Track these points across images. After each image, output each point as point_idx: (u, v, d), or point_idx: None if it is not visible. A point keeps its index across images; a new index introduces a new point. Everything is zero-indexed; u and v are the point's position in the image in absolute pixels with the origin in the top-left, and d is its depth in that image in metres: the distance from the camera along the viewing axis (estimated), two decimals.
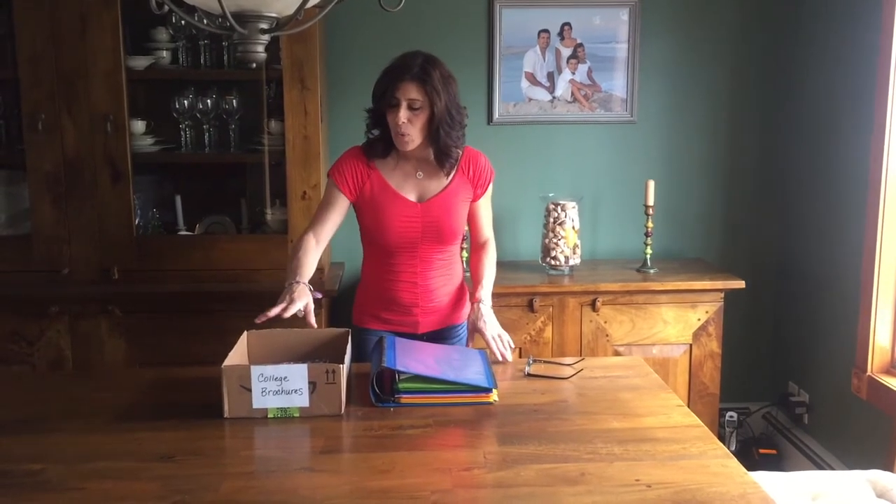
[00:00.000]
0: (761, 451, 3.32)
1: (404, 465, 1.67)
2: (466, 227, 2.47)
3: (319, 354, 2.19)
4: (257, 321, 2.09)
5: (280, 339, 2.21)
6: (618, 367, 2.29)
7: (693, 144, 3.51)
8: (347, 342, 2.14)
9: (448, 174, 2.33)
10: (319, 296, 2.30)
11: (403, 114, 2.20)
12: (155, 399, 2.07)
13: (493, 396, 2.00)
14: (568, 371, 2.21)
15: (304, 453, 1.77)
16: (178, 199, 3.17)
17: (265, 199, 3.18)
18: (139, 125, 3.02)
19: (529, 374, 2.20)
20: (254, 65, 1.88)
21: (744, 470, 1.65)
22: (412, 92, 2.20)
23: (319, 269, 2.38)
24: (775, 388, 3.54)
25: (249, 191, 3.25)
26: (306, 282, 2.23)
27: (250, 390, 1.90)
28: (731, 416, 3.38)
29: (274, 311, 2.11)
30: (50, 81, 2.87)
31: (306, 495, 1.54)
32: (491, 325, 2.31)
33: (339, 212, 2.35)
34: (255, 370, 1.90)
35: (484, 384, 2.00)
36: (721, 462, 1.68)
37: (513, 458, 1.69)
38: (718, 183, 3.54)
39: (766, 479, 2.19)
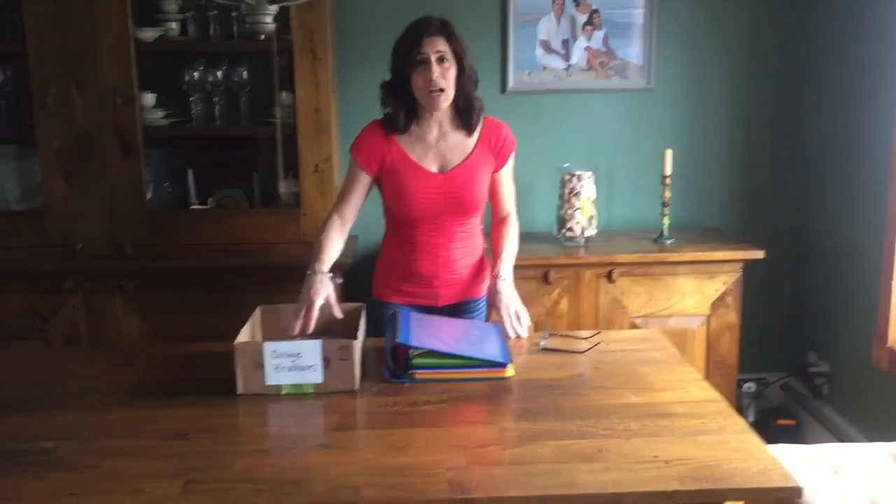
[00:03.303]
0: (780, 421, 3.29)
1: (419, 441, 1.65)
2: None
3: (334, 330, 2.17)
4: (288, 333, 2.08)
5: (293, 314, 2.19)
6: (635, 341, 2.26)
7: (712, 112, 3.45)
8: (361, 317, 2.12)
9: (470, 135, 2.29)
10: (339, 280, 2.29)
11: (436, 68, 2.17)
12: (168, 375, 2.06)
13: (509, 371, 1.98)
14: (584, 345, 2.19)
15: (318, 430, 1.76)
16: (190, 173, 3.14)
17: (277, 172, 3.15)
18: (149, 98, 2.99)
19: (545, 349, 2.17)
20: (262, 36, 1.85)
21: (763, 445, 1.63)
22: (439, 44, 2.18)
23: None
24: (794, 359, 3.50)
25: (261, 164, 3.22)
26: (327, 269, 2.22)
27: (264, 366, 1.88)
28: (749, 387, 3.35)
29: (297, 328, 2.09)
30: (58, 55, 2.84)
31: (320, 473, 1.53)
32: (507, 302, 2.28)
33: (361, 189, 2.33)
34: (269, 346, 1.88)
35: (499, 359, 1.98)
36: (740, 437, 1.65)
37: (529, 435, 1.67)
38: (737, 151, 3.48)
39: (785, 452, 2.16)
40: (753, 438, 1.65)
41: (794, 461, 2.14)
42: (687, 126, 3.44)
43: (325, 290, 2.16)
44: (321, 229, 2.33)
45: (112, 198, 2.94)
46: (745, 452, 1.59)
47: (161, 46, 3.00)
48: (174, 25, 3.00)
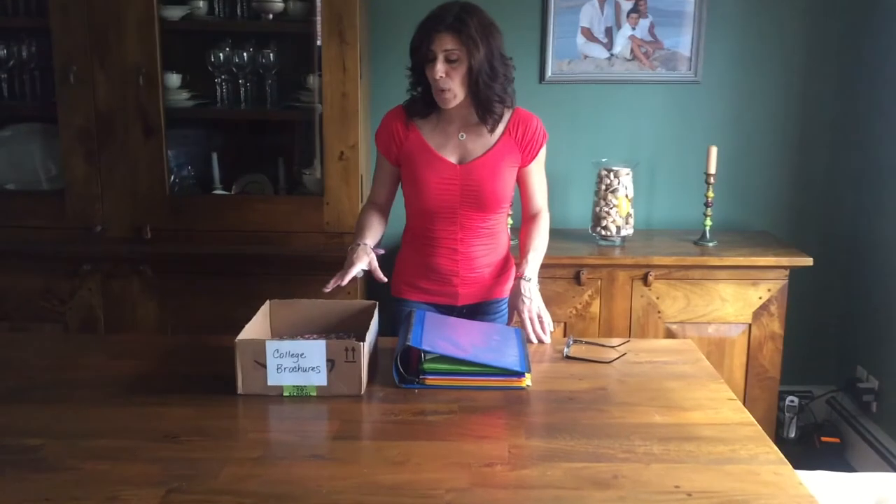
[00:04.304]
0: (823, 438, 3.11)
1: (421, 456, 1.53)
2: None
3: (345, 327, 2.07)
4: (325, 290, 2.06)
5: (304, 309, 2.09)
6: (666, 352, 2.11)
7: (761, 108, 3.25)
8: (374, 316, 2.01)
9: (492, 131, 2.16)
10: (382, 251, 2.20)
11: (441, 67, 2.05)
12: (171, 369, 1.97)
13: (526, 381, 1.85)
14: (610, 354, 2.04)
15: (316, 438, 1.65)
16: (215, 157, 3.07)
17: (303, 158, 3.05)
18: (174, 79, 2.91)
19: (568, 357, 2.03)
20: (270, 15, 1.74)
21: (798, 479, 1.47)
22: (448, 43, 2.04)
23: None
24: (842, 373, 3.30)
25: (287, 149, 3.13)
26: (370, 242, 2.19)
27: (265, 366, 1.78)
28: (792, 401, 3.16)
29: (331, 285, 2.06)
30: (81, 31, 2.76)
31: (311, 487, 1.42)
32: (529, 305, 2.15)
33: (389, 178, 2.28)
34: (271, 345, 1.78)
35: (516, 367, 1.85)
36: (773, 469, 1.50)
37: (540, 454, 1.54)
38: (788, 151, 3.28)
39: (825, 481, 1.99)
40: (788, 471, 1.50)
41: (834, 492, 1.97)
42: (734, 122, 3.26)
43: (366, 257, 2.12)
44: (359, 215, 2.32)
45: (133, 180, 2.88)
46: (778, 487, 1.44)
47: (187, 25, 2.92)
48: (201, 4, 2.91)
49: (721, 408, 1.76)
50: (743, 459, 1.53)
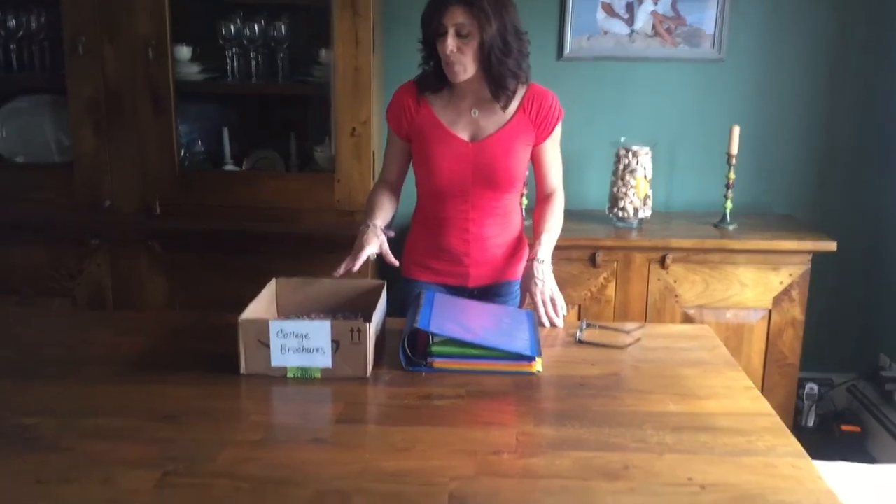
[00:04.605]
0: (843, 427, 3.03)
1: (426, 443, 1.48)
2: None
3: (352, 307, 2.03)
4: (336, 275, 2.00)
5: (311, 289, 2.05)
6: (682, 337, 2.05)
7: (787, 87, 3.16)
8: (382, 296, 1.95)
9: (505, 108, 2.10)
10: (392, 234, 2.15)
11: (451, 42, 1.99)
12: (176, 347, 1.94)
13: (537, 366, 1.79)
14: (625, 339, 1.99)
15: (319, 421, 1.61)
16: (226, 132, 3.02)
17: (315, 134, 3.00)
18: (184, 51, 2.85)
19: (581, 341, 1.98)
20: None
21: (818, 472, 1.41)
22: (459, 16, 1.97)
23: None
24: (864, 361, 3.22)
25: (299, 125, 3.07)
26: (381, 223, 2.13)
27: (269, 346, 1.74)
28: (812, 389, 3.09)
29: (342, 270, 2.01)
30: (90, 1, 2.71)
31: (311, 472, 1.38)
32: (542, 287, 2.09)
33: (400, 155, 2.23)
34: (275, 325, 1.73)
35: (526, 352, 1.79)
36: (791, 462, 1.44)
37: (549, 442, 1.49)
38: (813, 132, 3.18)
39: (845, 473, 1.93)
40: (807, 464, 1.44)
41: (855, 484, 1.90)
42: (758, 101, 3.16)
43: (377, 240, 2.07)
44: (370, 194, 2.26)
45: (143, 154, 2.83)
46: (796, 481, 1.38)
47: None
48: None
49: (738, 397, 1.70)
50: (760, 451, 1.47)
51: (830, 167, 3.21)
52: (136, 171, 2.84)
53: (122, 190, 2.85)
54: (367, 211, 2.18)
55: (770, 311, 2.85)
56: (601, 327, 2.08)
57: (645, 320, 2.82)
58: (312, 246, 2.74)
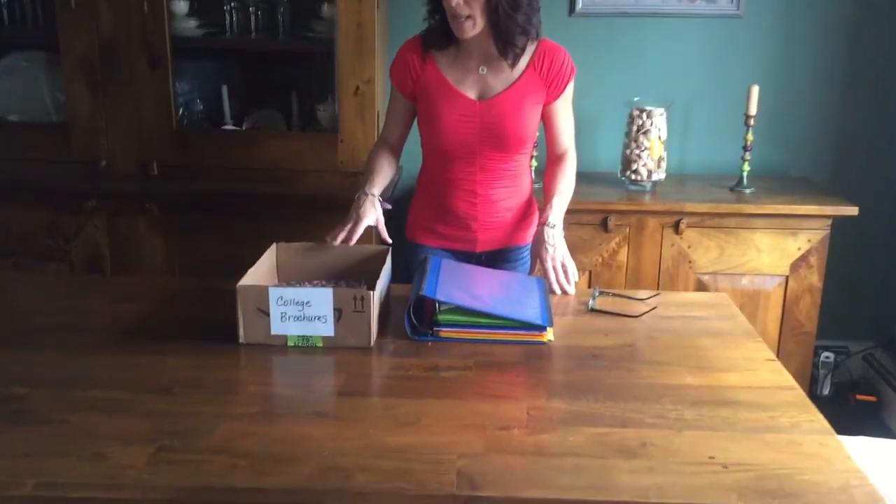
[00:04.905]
0: (859, 396, 2.97)
1: (432, 416, 1.41)
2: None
3: (355, 274, 1.95)
4: (328, 241, 1.95)
5: (313, 254, 1.97)
6: (698, 306, 1.97)
7: (808, 46, 3.04)
8: (385, 262, 1.87)
9: (513, 66, 2.00)
10: (389, 206, 2.06)
11: None
12: (172, 314, 1.86)
13: (548, 336, 1.72)
14: (639, 307, 1.91)
15: (320, 393, 1.54)
16: (225, 90, 2.92)
17: (318, 93, 2.90)
18: (181, 5, 2.75)
19: (593, 310, 1.90)
20: None
21: (846, 451, 1.34)
22: None
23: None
24: (880, 329, 3.14)
25: (301, 83, 2.97)
26: (378, 192, 2.05)
27: (268, 314, 1.66)
28: (828, 357, 3.01)
29: (340, 237, 1.95)
30: None
31: (311, 448, 1.31)
32: (553, 253, 2.01)
33: (404, 114, 2.13)
34: (274, 292, 1.66)
35: (537, 321, 1.71)
36: (818, 440, 1.36)
37: (561, 417, 1.42)
38: (833, 92, 3.07)
39: (867, 447, 1.86)
40: (834, 441, 1.36)
41: (876, 458, 1.84)
42: (776, 60, 3.05)
43: (374, 212, 2.00)
44: (369, 155, 2.16)
45: (139, 113, 2.74)
46: (823, 460, 1.31)
47: None
48: None
49: (759, 369, 1.63)
50: (784, 428, 1.40)
51: (850, 129, 3.10)
52: (132, 131, 2.75)
53: (119, 150, 2.76)
54: (366, 175, 2.09)
55: (787, 278, 2.77)
56: (614, 295, 2.00)
57: (658, 286, 2.74)
58: (315, 208, 2.64)
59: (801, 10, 3.00)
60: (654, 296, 1.98)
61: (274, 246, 1.96)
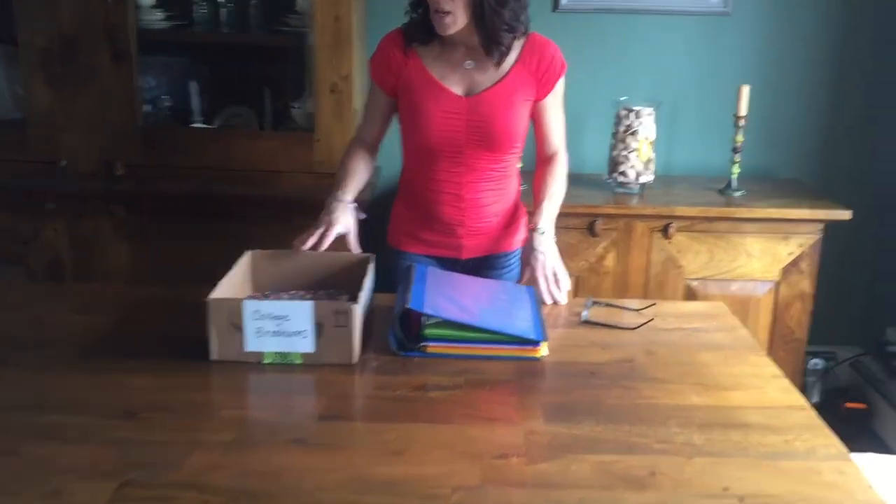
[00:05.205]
0: (848, 404, 2.90)
1: (423, 443, 1.30)
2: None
3: (337, 283, 1.83)
4: (295, 246, 1.82)
5: (290, 261, 1.85)
6: (696, 316, 1.87)
7: (798, 44, 2.96)
8: (368, 272, 1.76)
9: (499, 65, 1.89)
10: (364, 216, 1.94)
11: None
12: (137, 327, 1.73)
13: (542, 351, 1.61)
14: (634, 319, 1.81)
15: (300, 417, 1.42)
16: (194, 86, 2.79)
17: (292, 90, 2.77)
18: None
19: (587, 321, 1.80)
20: None
21: (867, 480, 1.25)
22: None
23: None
24: (869, 335, 3.08)
25: (274, 79, 2.84)
26: (351, 198, 1.93)
27: (242, 329, 1.54)
28: (816, 364, 2.95)
29: (309, 243, 1.82)
30: None
31: (290, 483, 1.19)
32: (545, 261, 1.91)
33: (382, 111, 2.01)
34: (249, 306, 1.53)
35: (530, 335, 1.61)
36: (836, 467, 1.27)
37: (562, 443, 1.31)
38: (823, 92, 3.00)
39: (876, 465, 1.78)
40: (853, 468, 1.27)
41: (886, 476, 1.76)
42: (766, 59, 2.97)
43: (346, 220, 1.89)
44: (344, 155, 2.04)
45: (102, 109, 2.61)
46: (844, 491, 1.21)
47: None
48: None
49: (766, 387, 1.54)
50: (799, 453, 1.31)
51: (840, 130, 3.03)
52: (95, 128, 2.62)
53: (80, 149, 2.63)
54: (340, 178, 1.97)
55: (778, 284, 2.69)
56: (607, 305, 1.90)
57: (646, 293, 2.65)
58: (290, 211, 2.52)
59: (791, 7, 2.93)
60: (650, 306, 1.89)
61: (247, 253, 1.83)
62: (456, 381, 1.51)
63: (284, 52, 2.73)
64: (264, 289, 1.83)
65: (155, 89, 2.80)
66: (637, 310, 1.87)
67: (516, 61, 1.92)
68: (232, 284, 1.69)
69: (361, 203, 2.59)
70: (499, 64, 1.89)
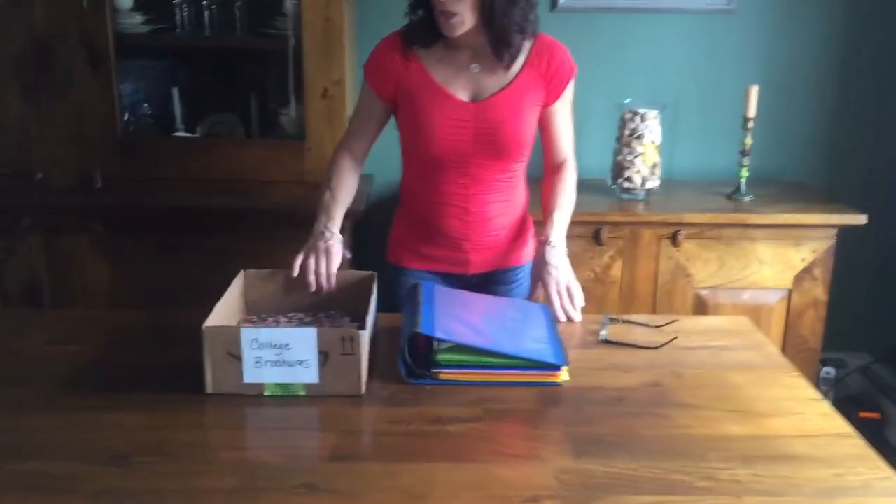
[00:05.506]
0: (862, 414, 2.80)
1: (445, 486, 1.19)
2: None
3: (336, 304, 1.72)
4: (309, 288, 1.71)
5: (286, 282, 1.72)
6: (719, 333, 1.77)
7: (806, 42, 2.86)
8: (372, 293, 1.64)
9: (509, 67, 1.78)
10: (349, 255, 1.81)
11: None
12: (123, 358, 1.60)
13: (563, 376, 1.50)
14: (655, 336, 1.71)
15: (308, 459, 1.29)
16: (176, 93, 2.65)
17: (280, 95, 2.64)
18: None
19: (606, 341, 1.68)
20: None
21: None
22: None
23: None
24: (881, 342, 2.99)
25: (261, 85, 2.71)
26: (338, 226, 1.80)
27: (241, 359, 1.41)
28: (829, 373, 2.85)
29: (312, 279, 1.72)
30: None
31: None
32: (558, 276, 1.80)
33: (376, 119, 1.88)
34: (247, 334, 1.41)
35: (550, 359, 1.49)
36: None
37: (597, 483, 1.20)
38: (832, 91, 2.91)
39: None
40: None
41: None
42: (772, 58, 2.87)
43: (338, 258, 1.76)
44: (328, 172, 1.89)
45: (79, 119, 2.47)
46: None
47: None
48: None
49: (807, 412, 1.43)
50: (854, 489, 1.20)
51: (850, 131, 2.94)
52: (71, 139, 2.47)
53: (56, 161, 2.48)
54: (329, 205, 1.82)
55: (790, 292, 2.59)
56: (625, 322, 1.80)
57: (654, 303, 2.55)
58: (280, 223, 2.40)
59: (797, 4, 2.83)
60: (671, 322, 1.78)
61: (241, 274, 1.70)
62: (474, 413, 1.40)
63: (271, 55, 2.59)
64: (260, 311, 1.71)
65: (134, 96, 2.67)
66: (657, 326, 1.76)
67: (525, 64, 1.81)
68: (226, 308, 1.57)
69: (355, 214, 2.49)
70: (509, 66, 1.77)
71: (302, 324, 1.65)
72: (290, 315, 1.69)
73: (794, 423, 1.39)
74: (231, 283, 1.65)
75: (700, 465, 1.25)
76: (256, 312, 1.71)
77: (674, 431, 1.35)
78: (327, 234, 1.77)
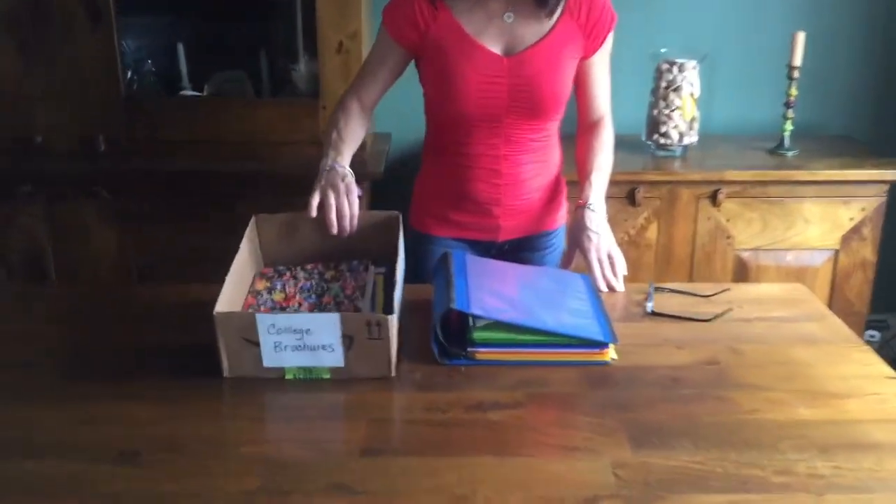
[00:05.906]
0: None
1: (491, 484, 1.07)
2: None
3: (358, 250, 1.58)
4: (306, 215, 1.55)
5: (304, 229, 1.58)
6: (775, 302, 1.63)
7: None
8: (399, 245, 1.50)
9: (550, 16, 1.61)
10: (360, 193, 1.65)
11: None
12: (132, 338, 1.48)
13: (610, 353, 1.37)
14: (706, 307, 1.57)
15: (337, 454, 1.16)
16: (181, 49, 2.52)
17: (291, 50, 2.50)
18: None
19: (653, 313, 1.55)
20: None
21: None
22: None
23: (360, 146, 1.75)
24: None
25: (271, 40, 2.58)
26: (347, 164, 1.63)
27: (258, 344, 1.29)
28: (873, 335, 2.72)
29: (333, 217, 1.54)
30: None
31: None
32: (598, 242, 1.66)
33: (391, 68, 1.71)
34: (263, 320, 1.28)
35: (598, 336, 1.36)
36: None
37: (658, 479, 1.07)
38: (879, 40, 2.72)
39: None
40: None
41: None
42: (819, 2, 2.68)
43: (355, 194, 1.60)
44: (335, 114, 1.73)
45: (79, 78, 2.35)
46: None
47: None
48: None
49: (884, 391, 1.30)
50: None
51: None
52: (72, 100, 2.35)
53: (56, 123, 2.37)
54: (334, 143, 1.66)
55: (837, 252, 2.45)
56: (671, 291, 1.66)
57: (692, 266, 2.42)
58: (294, 186, 2.22)
59: None
60: (723, 291, 1.65)
61: (253, 220, 1.57)
62: (516, 397, 1.27)
63: (282, 7, 2.45)
64: (276, 262, 1.59)
65: (137, 53, 2.55)
66: (707, 296, 1.63)
67: (563, 13, 1.65)
68: (241, 267, 1.45)
69: (373, 175, 2.35)
70: (550, 14, 1.61)
71: (322, 280, 1.53)
72: (308, 268, 1.56)
73: (871, 406, 1.25)
74: (245, 233, 1.52)
75: (773, 456, 1.12)
76: (273, 263, 1.58)
77: (740, 417, 1.22)
78: (339, 169, 1.61)
